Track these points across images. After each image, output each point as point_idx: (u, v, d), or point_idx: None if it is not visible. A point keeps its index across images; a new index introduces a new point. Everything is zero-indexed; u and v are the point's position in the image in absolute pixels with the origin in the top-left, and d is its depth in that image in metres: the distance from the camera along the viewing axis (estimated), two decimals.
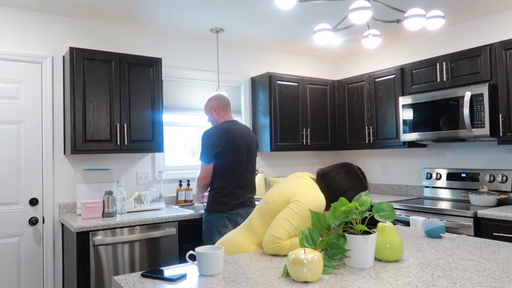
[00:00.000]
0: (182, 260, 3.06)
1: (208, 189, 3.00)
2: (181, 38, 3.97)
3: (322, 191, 1.79)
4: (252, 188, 2.99)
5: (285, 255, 1.66)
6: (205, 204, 3.10)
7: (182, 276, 1.40)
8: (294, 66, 4.71)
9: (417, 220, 3.19)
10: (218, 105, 3.01)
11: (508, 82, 3.06)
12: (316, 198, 1.72)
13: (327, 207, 1.79)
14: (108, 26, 3.58)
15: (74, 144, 3.05)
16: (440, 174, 3.79)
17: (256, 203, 3.39)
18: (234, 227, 2.80)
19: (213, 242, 2.75)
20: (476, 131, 3.16)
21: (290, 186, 1.80)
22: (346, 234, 1.46)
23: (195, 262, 1.47)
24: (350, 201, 1.69)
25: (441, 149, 3.92)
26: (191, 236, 3.11)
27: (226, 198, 2.82)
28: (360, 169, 1.87)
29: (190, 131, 4.07)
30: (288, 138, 4.17)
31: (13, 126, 3.13)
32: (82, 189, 3.14)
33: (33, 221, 3.15)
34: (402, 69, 3.82)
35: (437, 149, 3.95)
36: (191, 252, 1.51)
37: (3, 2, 3.08)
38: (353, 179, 1.82)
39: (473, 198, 3.23)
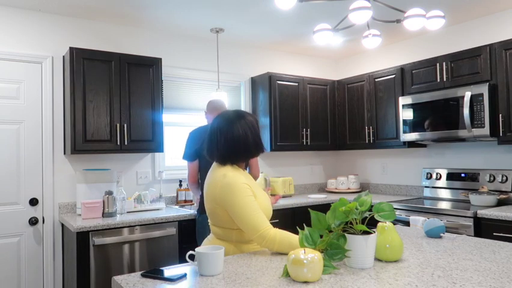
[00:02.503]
0: (182, 260, 3.06)
1: None
2: (181, 38, 3.97)
3: (239, 151, 1.77)
4: None
5: (283, 252, 1.66)
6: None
7: (182, 276, 1.40)
8: (294, 66, 4.71)
9: (417, 220, 3.19)
10: (207, 109, 3.19)
11: (508, 82, 3.06)
12: (233, 182, 1.69)
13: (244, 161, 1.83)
14: (108, 26, 3.58)
15: (74, 144, 3.05)
16: (440, 174, 3.79)
17: None
18: None
19: None
20: (476, 131, 3.16)
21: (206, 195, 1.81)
22: (346, 234, 1.46)
23: (195, 262, 1.47)
24: (258, 137, 1.80)
25: (441, 149, 3.91)
26: (191, 236, 3.11)
27: None
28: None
29: (190, 131, 4.06)
30: (288, 138, 4.17)
31: (13, 126, 3.13)
32: (82, 189, 3.14)
33: (33, 221, 3.15)
34: (402, 69, 3.82)
35: (437, 149, 3.95)
36: (191, 252, 1.51)
37: (3, 2, 3.08)
38: (245, 120, 1.80)
39: (473, 198, 3.23)
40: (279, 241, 1.64)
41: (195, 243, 2.97)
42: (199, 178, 3.02)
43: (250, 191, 1.71)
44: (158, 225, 3.02)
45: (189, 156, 2.97)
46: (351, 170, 4.83)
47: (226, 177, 1.71)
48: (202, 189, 2.95)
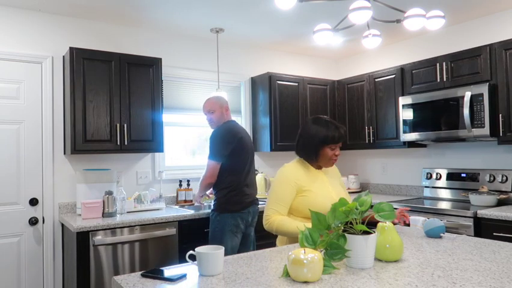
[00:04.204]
0: (182, 260, 3.05)
1: (211, 189, 3.03)
2: (181, 38, 3.97)
3: (300, 149, 2.16)
4: (255, 187, 3.06)
5: (281, 234, 1.96)
6: (203, 204, 3.15)
7: (182, 276, 1.40)
8: (294, 66, 4.71)
9: (417, 220, 3.18)
10: (227, 105, 3.11)
11: (508, 82, 3.06)
12: (280, 171, 2.06)
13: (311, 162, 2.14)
14: (108, 26, 3.58)
15: (74, 144, 3.05)
16: (440, 174, 3.79)
17: (261, 202, 3.40)
18: (245, 226, 2.84)
19: (222, 243, 2.71)
20: (476, 131, 3.16)
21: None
22: (346, 234, 1.46)
23: (195, 262, 1.47)
24: (316, 144, 2.06)
25: (441, 149, 3.91)
26: (191, 236, 3.11)
27: (238, 197, 2.86)
28: (330, 119, 2.12)
29: (190, 131, 4.07)
30: (288, 138, 4.17)
31: (13, 126, 3.13)
32: (82, 189, 3.14)
33: (33, 221, 3.15)
34: (402, 69, 3.82)
35: (437, 149, 3.95)
36: (191, 252, 1.51)
37: (3, 2, 3.08)
38: (319, 125, 2.08)
39: (473, 198, 3.23)
40: (276, 226, 1.94)
41: (195, 243, 2.95)
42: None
43: (293, 186, 1.98)
44: (158, 225, 3.02)
45: (219, 156, 2.87)
46: (351, 170, 4.83)
47: (284, 167, 2.09)
48: (218, 188, 2.92)
